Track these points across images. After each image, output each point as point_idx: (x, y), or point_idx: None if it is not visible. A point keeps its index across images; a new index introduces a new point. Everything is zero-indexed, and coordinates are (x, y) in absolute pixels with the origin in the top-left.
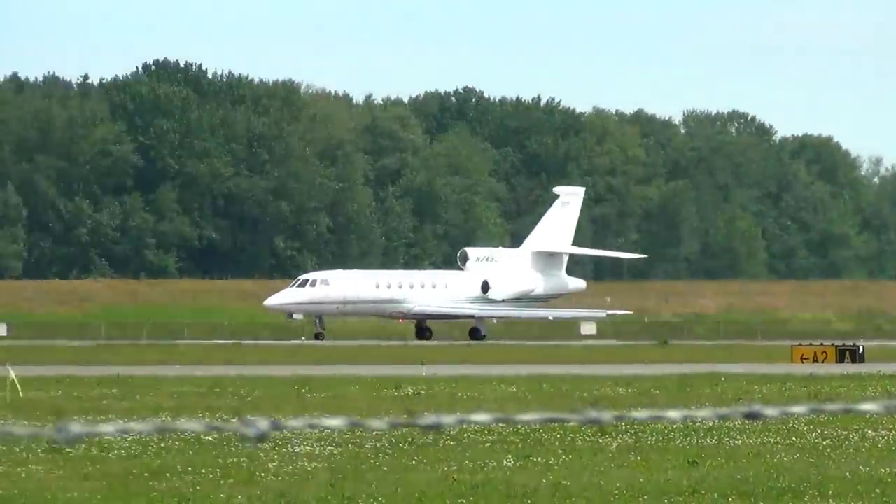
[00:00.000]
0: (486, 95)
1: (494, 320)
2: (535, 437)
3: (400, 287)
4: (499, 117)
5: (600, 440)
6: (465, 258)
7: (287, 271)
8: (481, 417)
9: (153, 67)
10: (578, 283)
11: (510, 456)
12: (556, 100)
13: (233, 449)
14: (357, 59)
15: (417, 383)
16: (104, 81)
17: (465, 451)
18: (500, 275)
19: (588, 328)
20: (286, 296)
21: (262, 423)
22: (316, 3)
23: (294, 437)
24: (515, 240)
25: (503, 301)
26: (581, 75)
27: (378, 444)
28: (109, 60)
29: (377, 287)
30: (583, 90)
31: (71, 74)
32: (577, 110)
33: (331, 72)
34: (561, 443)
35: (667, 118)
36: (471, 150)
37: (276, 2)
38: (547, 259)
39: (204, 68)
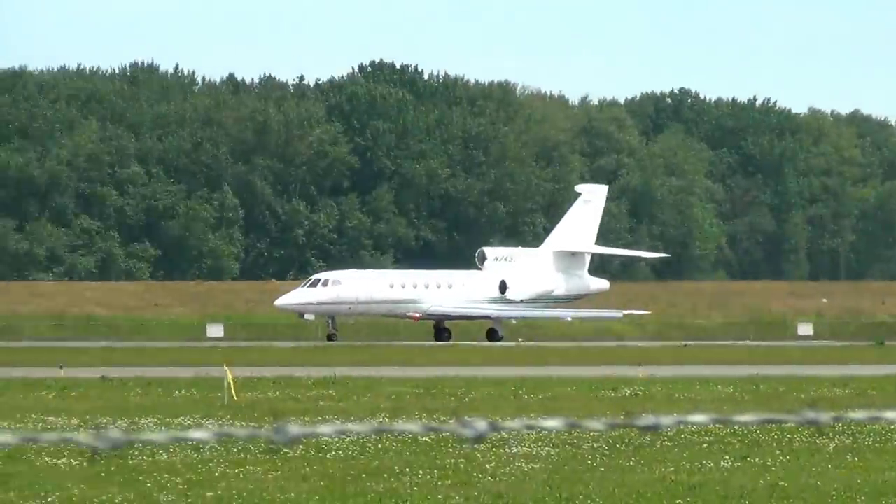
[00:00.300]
0: (701, 96)
1: (513, 321)
2: (753, 437)
3: (415, 287)
4: (715, 118)
5: (818, 441)
6: (482, 258)
7: None
8: (699, 418)
9: (369, 69)
10: (601, 284)
11: (727, 457)
12: (772, 100)
13: (450, 450)
14: (572, 61)
15: (634, 384)
16: (320, 83)
17: (682, 452)
18: (518, 275)
19: (804, 329)
20: (297, 296)
21: (480, 424)
22: (530, 5)
23: (511, 438)
24: (731, 241)
25: (521, 302)
26: (797, 75)
27: (595, 445)
28: (325, 62)
29: (391, 287)
30: (798, 90)
31: (287, 76)
32: (793, 111)
33: (546, 73)
34: (778, 444)
35: (883, 118)
36: (687, 151)
37: (489, 3)
38: (569, 259)
39: (420, 69)
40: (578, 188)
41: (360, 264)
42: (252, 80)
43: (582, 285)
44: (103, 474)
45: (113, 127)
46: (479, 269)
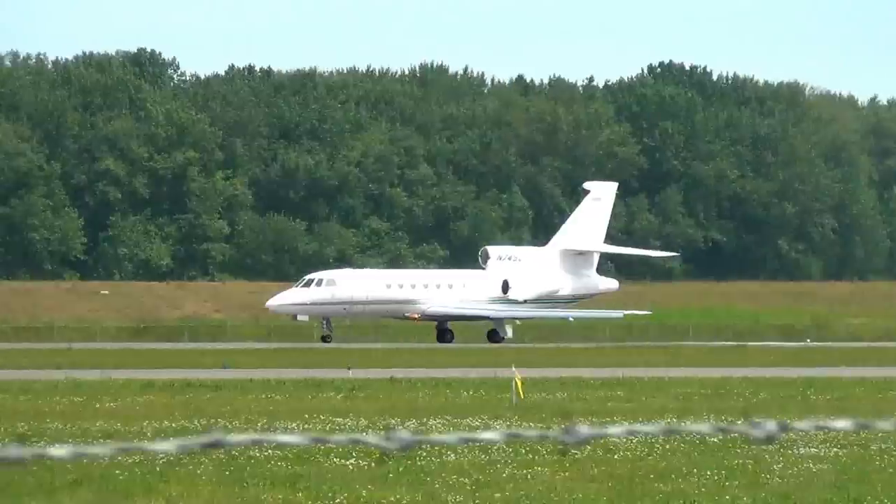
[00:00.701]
0: None
1: (517, 321)
2: None
3: (413, 287)
4: None
5: None
6: (485, 257)
7: (790, 273)
8: None
9: (658, 69)
10: (610, 284)
11: None
12: None
13: (738, 451)
14: (861, 61)
15: None
16: (609, 83)
17: None
18: (521, 274)
19: None
20: (290, 296)
21: (770, 425)
22: (817, 4)
23: (800, 438)
24: None
25: (525, 302)
26: None
27: (884, 446)
28: (614, 62)
29: (388, 287)
30: None
31: (576, 77)
32: None
33: (834, 73)
34: None
35: None
36: None
37: (777, 3)
38: (575, 258)
39: (709, 70)
40: (587, 185)
41: (650, 266)
42: (541, 80)
43: (590, 285)
44: (391, 475)
45: (402, 128)
46: (483, 268)
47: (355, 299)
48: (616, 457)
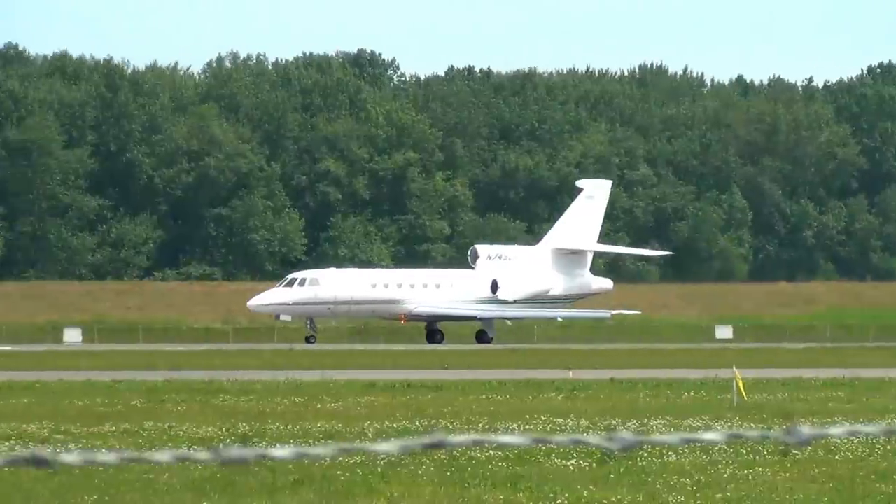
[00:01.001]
0: None
1: (509, 322)
2: None
3: (399, 287)
4: None
5: None
6: (475, 256)
7: None
8: None
9: (878, 70)
10: (604, 284)
11: None
12: None
13: None
14: None
15: None
16: (829, 84)
17: None
18: (511, 274)
19: None
20: (271, 296)
21: None
22: None
23: None
24: None
25: (514, 302)
26: None
27: None
28: (834, 63)
29: (373, 287)
30: None
31: (796, 77)
32: None
33: None
34: None
35: None
36: None
37: None
38: (568, 257)
39: None
40: (580, 183)
41: (869, 267)
42: (761, 81)
43: (583, 284)
44: (612, 476)
45: (622, 129)
46: (472, 267)
47: (339, 299)
48: (837, 457)
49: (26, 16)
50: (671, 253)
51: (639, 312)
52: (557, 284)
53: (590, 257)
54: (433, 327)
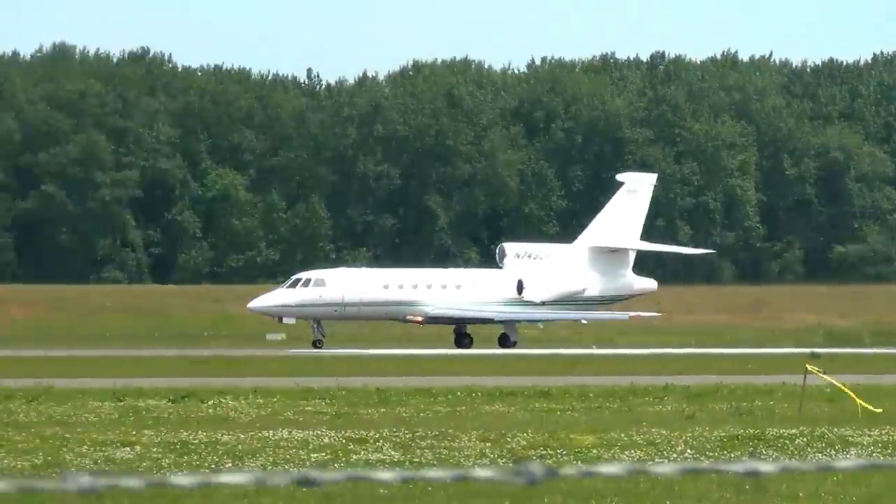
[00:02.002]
0: None
1: (541, 325)
2: None
3: (414, 287)
4: None
5: None
6: (502, 255)
7: None
8: None
9: None
10: (648, 284)
11: None
12: None
13: None
14: None
15: None
16: None
17: None
18: (539, 274)
19: None
20: (274, 297)
21: None
22: None
23: None
24: None
25: (542, 303)
26: None
27: None
28: None
29: (385, 288)
30: None
31: None
32: None
33: None
34: None
35: None
36: None
37: None
38: (607, 256)
39: None
40: (620, 177)
41: None
42: None
43: (624, 285)
44: None
45: None
46: (500, 267)
47: (347, 301)
48: None
49: None
50: (713, 251)
51: (659, 314)
52: (593, 285)
53: (632, 256)
54: (462, 330)
